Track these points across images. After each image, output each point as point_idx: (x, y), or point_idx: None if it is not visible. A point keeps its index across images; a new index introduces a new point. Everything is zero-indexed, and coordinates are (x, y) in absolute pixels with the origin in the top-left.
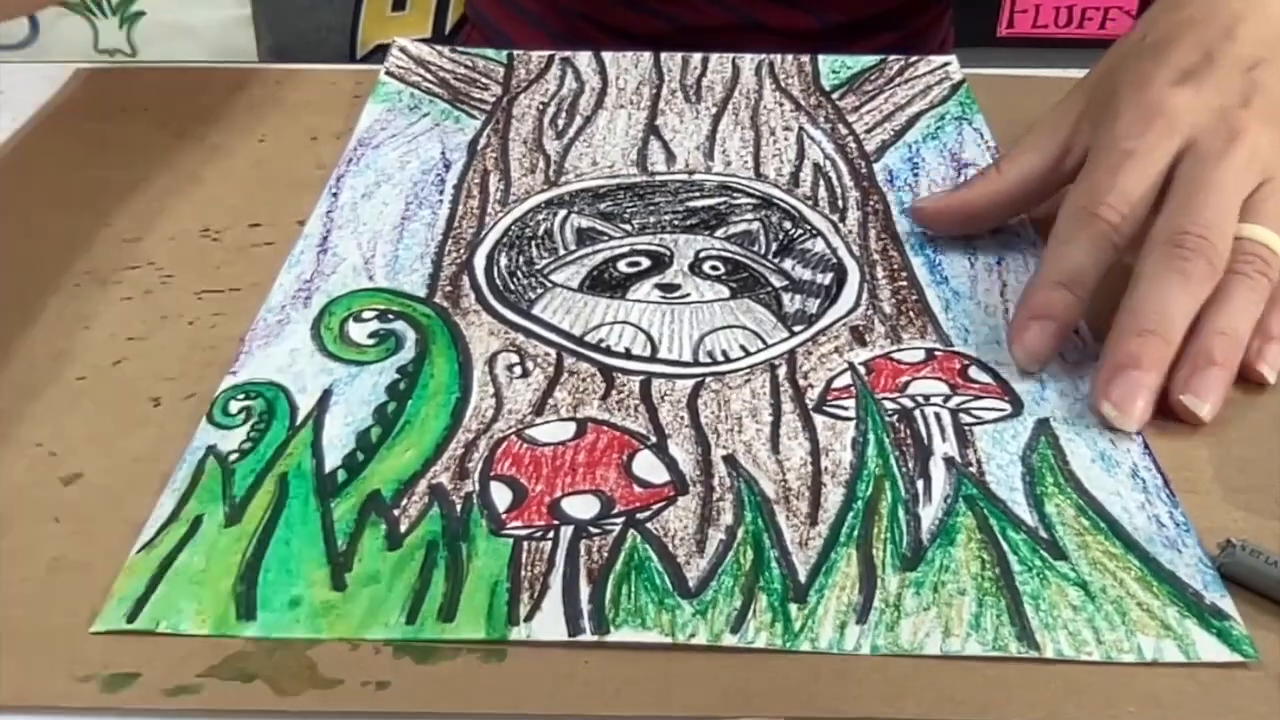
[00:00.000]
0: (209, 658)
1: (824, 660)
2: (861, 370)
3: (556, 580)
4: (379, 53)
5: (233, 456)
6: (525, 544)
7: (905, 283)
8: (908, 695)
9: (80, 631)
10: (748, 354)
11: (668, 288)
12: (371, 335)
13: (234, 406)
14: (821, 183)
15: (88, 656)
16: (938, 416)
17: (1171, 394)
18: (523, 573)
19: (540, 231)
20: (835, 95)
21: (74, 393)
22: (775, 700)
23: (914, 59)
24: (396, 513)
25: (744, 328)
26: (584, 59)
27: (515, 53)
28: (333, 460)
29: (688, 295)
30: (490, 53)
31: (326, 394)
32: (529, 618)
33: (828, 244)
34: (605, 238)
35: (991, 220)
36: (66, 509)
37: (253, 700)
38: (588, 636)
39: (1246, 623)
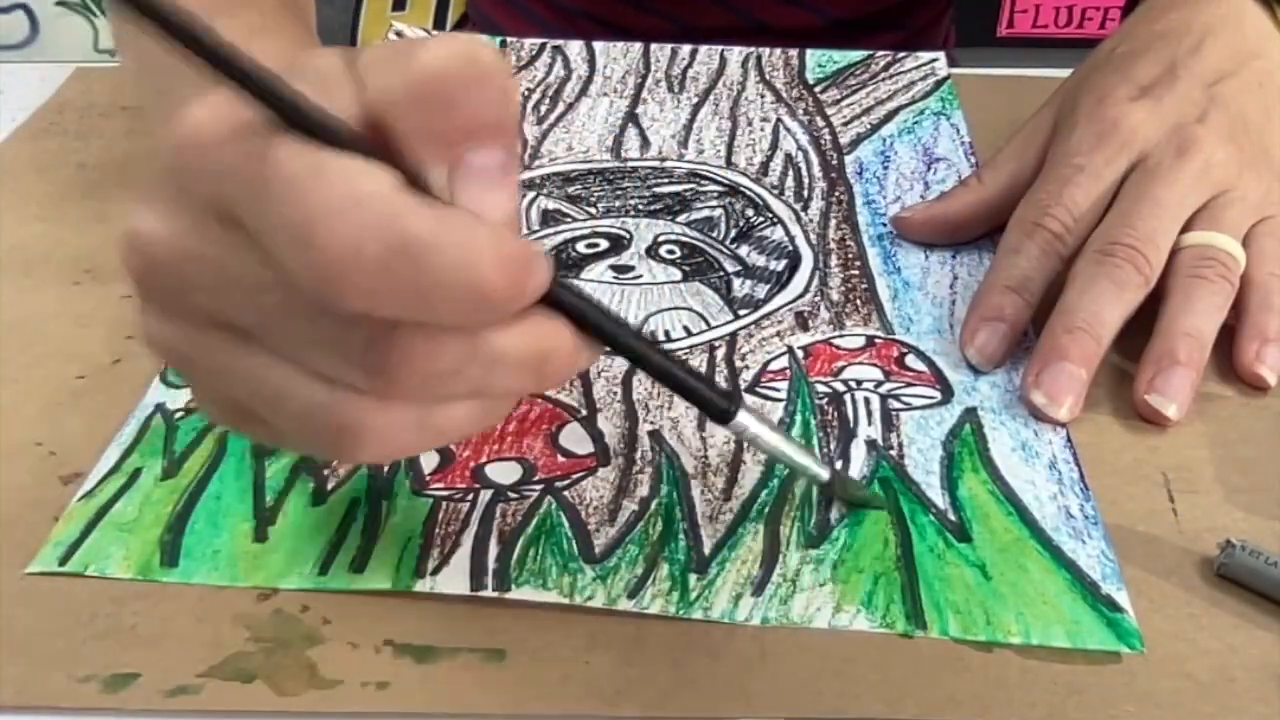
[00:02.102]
0: (209, 658)
1: (824, 660)
2: (800, 354)
3: (468, 539)
4: None
5: (178, 415)
6: (444, 504)
7: (857, 271)
8: (908, 695)
9: (80, 631)
10: (690, 335)
11: (621, 269)
12: None
13: None
14: (790, 172)
15: (88, 656)
16: (866, 401)
17: (1137, 394)
18: (436, 530)
19: None
20: (818, 88)
21: (74, 393)
22: (775, 700)
23: (901, 55)
24: (326, 472)
25: (690, 309)
26: (575, 48)
27: (508, 40)
28: None
29: (640, 277)
30: (484, 39)
31: None
32: (435, 571)
33: (786, 232)
34: (569, 219)
35: (974, 229)
36: (66, 509)
37: (253, 700)
38: (488, 593)
39: (1245, 623)
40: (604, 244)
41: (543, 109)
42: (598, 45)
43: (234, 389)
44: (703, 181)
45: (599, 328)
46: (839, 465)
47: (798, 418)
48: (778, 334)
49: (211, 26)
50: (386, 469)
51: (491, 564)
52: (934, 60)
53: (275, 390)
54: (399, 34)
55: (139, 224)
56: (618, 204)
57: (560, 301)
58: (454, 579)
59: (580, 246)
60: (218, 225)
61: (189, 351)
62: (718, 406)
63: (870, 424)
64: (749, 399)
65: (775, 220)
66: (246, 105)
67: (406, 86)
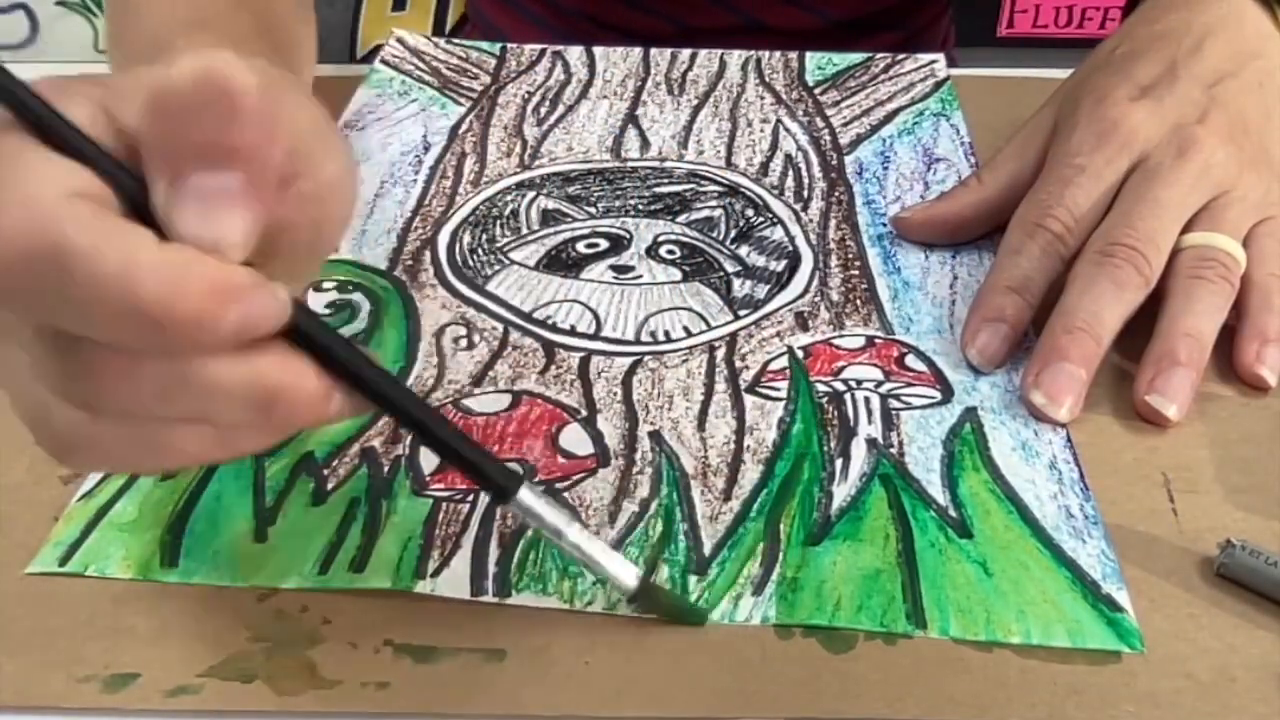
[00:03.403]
0: (209, 658)
1: (824, 660)
2: (800, 354)
3: (468, 541)
4: (379, 52)
5: None
6: (444, 505)
7: (857, 271)
8: (908, 695)
9: (80, 631)
10: (690, 335)
11: (621, 269)
12: (329, 305)
13: None
14: (790, 173)
15: (88, 656)
16: (867, 401)
17: (1137, 394)
18: (437, 531)
19: (506, 212)
20: (818, 90)
21: None
22: (775, 700)
23: (901, 56)
24: (326, 472)
25: (690, 310)
26: (575, 53)
27: (508, 45)
28: None
29: (640, 277)
30: (484, 45)
31: None
32: (436, 573)
33: (786, 232)
34: (569, 219)
35: (975, 230)
36: (66, 509)
37: (253, 700)
38: (489, 598)
39: (1245, 623)
40: (604, 244)
41: (543, 111)
42: (597, 50)
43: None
44: (703, 182)
45: (355, 373)
46: (837, 464)
47: (797, 417)
48: (778, 334)
49: None
50: (387, 469)
51: (492, 568)
52: (934, 62)
53: (15, 390)
54: (400, 40)
55: None
56: (618, 204)
57: (309, 339)
58: (454, 583)
59: (580, 246)
60: None
61: None
62: (497, 484)
63: (870, 423)
64: (749, 400)
65: (775, 220)
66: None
67: (146, 101)
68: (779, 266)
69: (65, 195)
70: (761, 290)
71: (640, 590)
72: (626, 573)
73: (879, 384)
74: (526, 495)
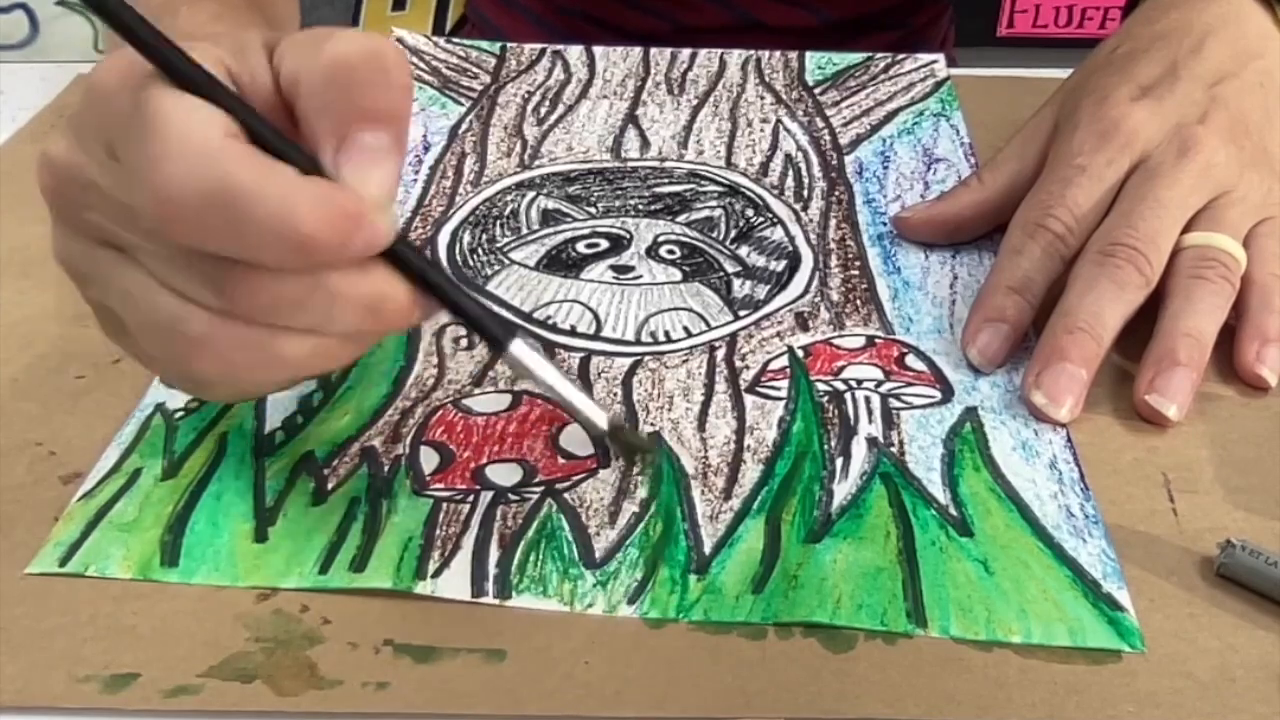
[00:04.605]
0: (209, 658)
1: (824, 660)
2: (800, 354)
3: (469, 542)
4: None
5: (178, 414)
6: (444, 505)
7: (857, 271)
8: (908, 695)
9: (80, 631)
10: (690, 335)
11: (621, 269)
12: None
13: None
14: (790, 173)
15: (88, 656)
16: (867, 400)
17: (1138, 394)
18: (437, 531)
19: (506, 212)
20: (818, 90)
21: (74, 392)
22: (775, 700)
23: (901, 56)
24: (326, 472)
25: (690, 310)
26: (575, 52)
27: (508, 45)
28: (273, 422)
29: (640, 277)
30: (484, 44)
31: None
32: (436, 574)
33: (786, 232)
34: (569, 219)
35: (975, 230)
36: (66, 509)
37: (253, 700)
38: (489, 599)
39: (1245, 623)
40: (604, 244)
41: (542, 110)
42: (597, 50)
43: (112, 300)
44: (703, 182)
45: (433, 285)
46: (838, 462)
47: (798, 416)
48: (778, 334)
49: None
50: (387, 469)
51: (492, 569)
52: (933, 62)
53: (140, 302)
54: (400, 40)
55: (50, 149)
56: (618, 204)
57: (400, 259)
58: (454, 584)
59: (580, 246)
60: (106, 157)
61: (81, 264)
62: (493, 334)
63: (871, 422)
64: (750, 399)
65: (775, 220)
66: (140, 61)
67: (316, 68)
68: (779, 266)
69: (224, 138)
70: (761, 290)
71: (611, 428)
72: (599, 417)
73: (879, 384)
74: (519, 348)
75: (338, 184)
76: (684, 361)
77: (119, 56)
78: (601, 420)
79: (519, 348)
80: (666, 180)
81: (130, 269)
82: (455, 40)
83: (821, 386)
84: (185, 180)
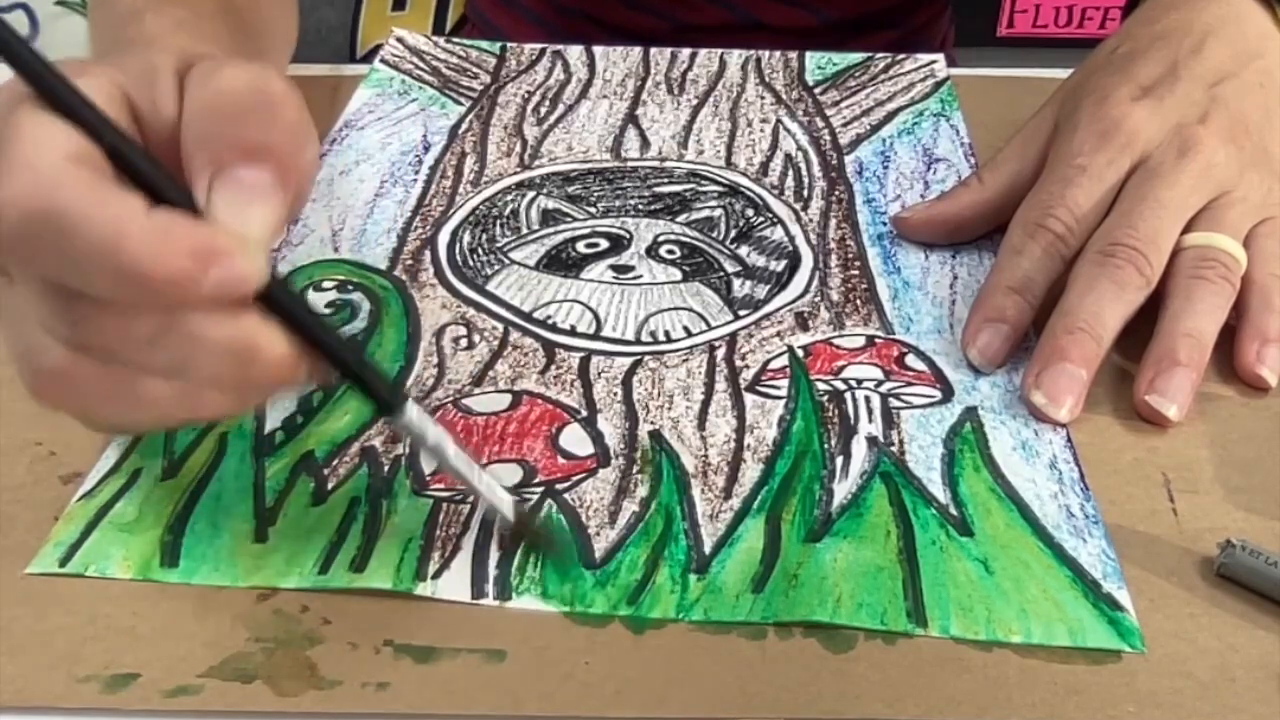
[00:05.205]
0: (209, 658)
1: (824, 660)
2: (800, 354)
3: (469, 543)
4: (379, 52)
5: None
6: (444, 505)
7: (857, 271)
8: (907, 695)
9: (80, 631)
10: (690, 335)
11: (621, 269)
12: (329, 305)
13: None
14: (790, 172)
15: (88, 656)
16: (867, 400)
17: (1138, 394)
18: (437, 532)
19: (506, 211)
20: (818, 90)
21: None
22: (775, 700)
23: (901, 56)
24: (326, 472)
25: (690, 310)
26: (575, 52)
27: (508, 45)
28: (273, 422)
29: (640, 277)
30: (484, 44)
31: None
32: (436, 575)
33: (786, 232)
34: (569, 219)
35: (975, 230)
36: (66, 509)
37: (253, 700)
38: (490, 601)
39: (1245, 623)
40: (604, 244)
41: (542, 110)
42: (597, 49)
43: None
44: (703, 181)
45: (317, 339)
46: (838, 461)
47: (798, 415)
48: (778, 334)
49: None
50: (387, 468)
51: (492, 570)
52: (933, 62)
53: (8, 328)
54: (400, 39)
55: None
56: (618, 204)
57: (280, 306)
58: (454, 585)
59: (580, 246)
60: None
61: None
62: (384, 400)
63: (871, 421)
64: (750, 399)
65: (775, 220)
66: (20, 82)
67: (198, 98)
68: (779, 266)
69: (62, 160)
70: (761, 290)
71: (516, 523)
72: (505, 503)
73: (879, 383)
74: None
75: (195, 219)
76: (684, 361)
77: (14, 79)
78: (507, 507)
79: (413, 411)
80: (666, 180)
81: (7, 292)
82: (455, 40)
83: (821, 386)
84: (15, 199)
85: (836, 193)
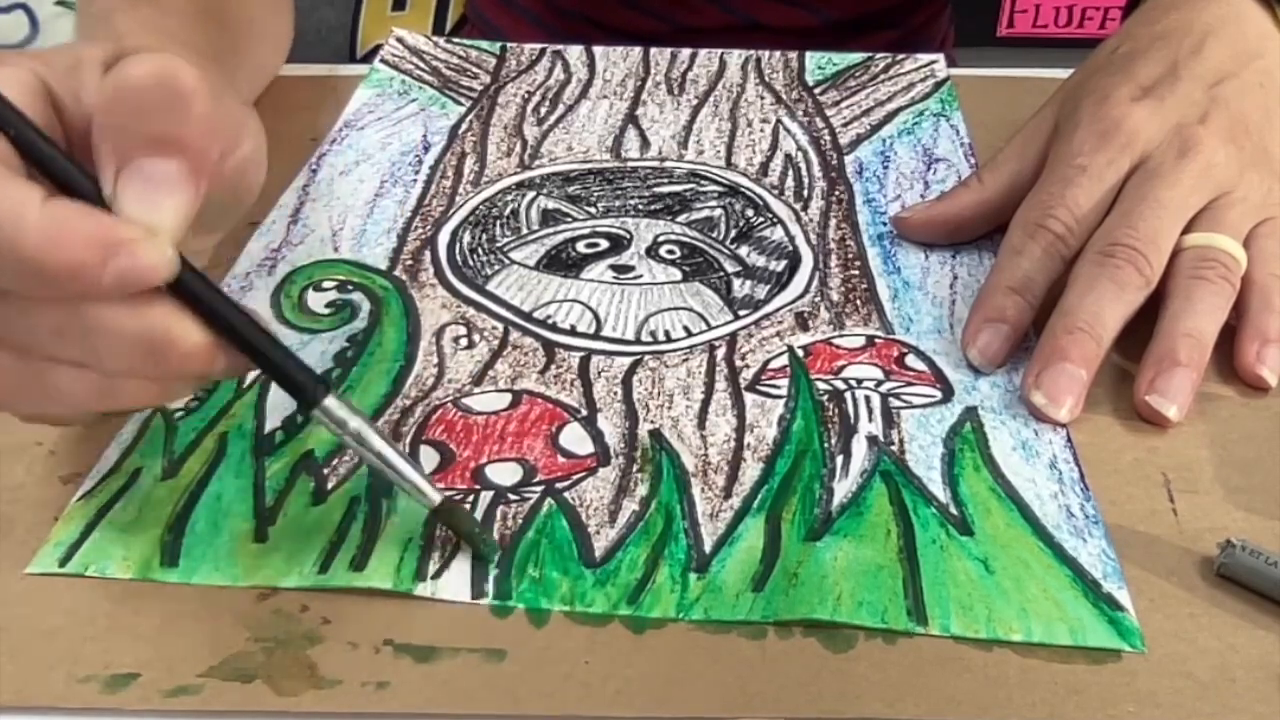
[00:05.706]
0: (209, 658)
1: (824, 660)
2: (800, 354)
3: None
4: (379, 52)
5: (178, 414)
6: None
7: (857, 271)
8: (907, 695)
9: (80, 631)
10: (690, 335)
11: (621, 269)
12: (329, 305)
13: None
14: (790, 172)
15: (88, 656)
16: (867, 399)
17: (1138, 395)
18: (437, 532)
19: (506, 212)
20: (818, 90)
21: None
22: (775, 700)
23: (901, 56)
24: (326, 471)
25: (690, 310)
26: (575, 52)
27: (508, 45)
28: (273, 422)
29: (640, 277)
30: (484, 44)
31: None
32: (436, 575)
33: (786, 232)
34: (569, 219)
35: (975, 230)
36: (66, 509)
37: (253, 700)
38: (489, 600)
39: (1245, 623)
40: (604, 244)
41: (542, 110)
42: (597, 50)
43: None
44: (703, 182)
45: (232, 327)
46: (838, 460)
47: (798, 415)
48: (778, 334)
49: None
50: None
51: (492, 570)
52: (933, 62)
53: None
54: (400, 39)
55: None
56: (618, 204)
57: (192, 296)
58: (455, 585)
59: (580, 246)
60: None
61: None
62: (305, 393)
63: (871, 420)
64: (750, 398)
65: (775, 220)
66: None
67: (105, 91)
68: (779, 266)
69: None
70: (761, 290)
71: (441, 508)
72: (429, 490)
73: (879, 383)
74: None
75: (95, 210)
76: (684, 360)
77: None
78: (433, 495)
79: (333, 404)
80: (666, 180)
81: None
82: (455, 40)
83: (821, 385)
84: None
85: (836, 193)
